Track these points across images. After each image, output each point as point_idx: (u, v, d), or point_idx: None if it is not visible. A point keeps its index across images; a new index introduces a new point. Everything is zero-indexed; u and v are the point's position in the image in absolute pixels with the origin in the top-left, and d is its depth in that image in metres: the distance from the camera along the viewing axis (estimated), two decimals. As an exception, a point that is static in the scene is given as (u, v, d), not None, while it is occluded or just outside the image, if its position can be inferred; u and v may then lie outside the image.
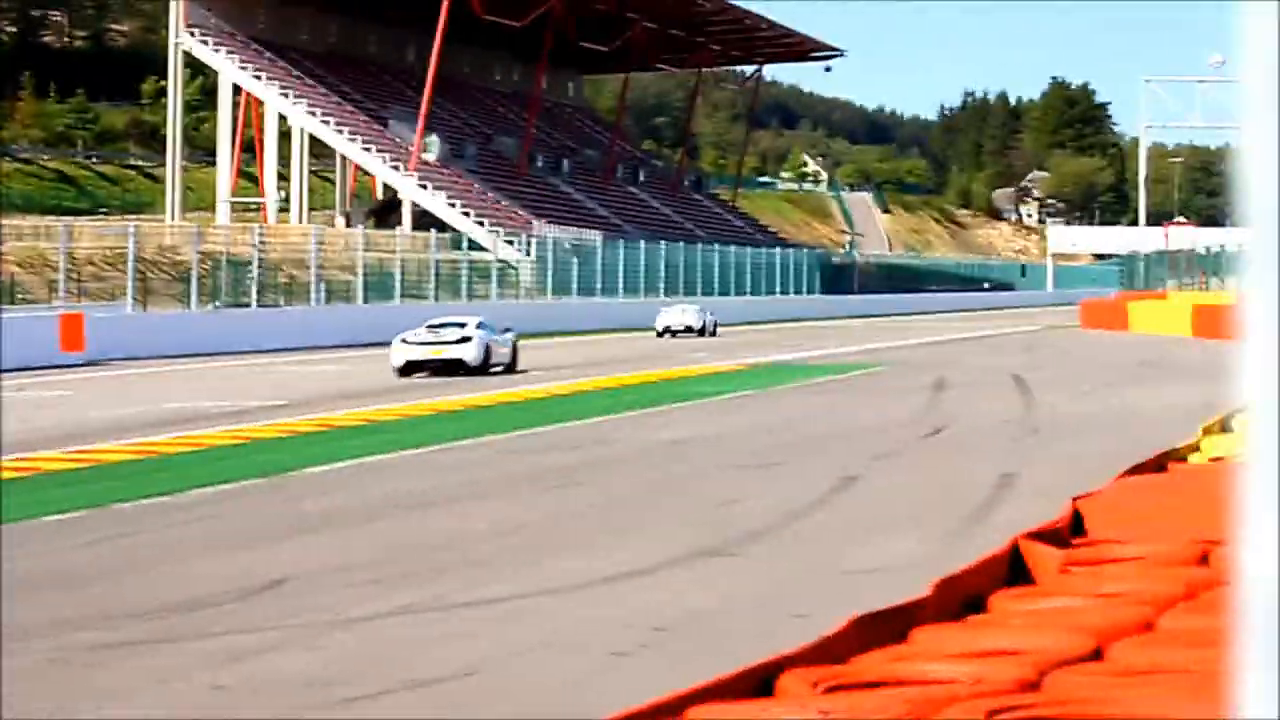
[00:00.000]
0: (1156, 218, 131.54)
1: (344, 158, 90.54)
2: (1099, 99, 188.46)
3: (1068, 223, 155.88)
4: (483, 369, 34.54)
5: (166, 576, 11.74)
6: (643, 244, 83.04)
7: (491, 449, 20.32)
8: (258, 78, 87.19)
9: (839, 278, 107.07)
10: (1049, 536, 6.11)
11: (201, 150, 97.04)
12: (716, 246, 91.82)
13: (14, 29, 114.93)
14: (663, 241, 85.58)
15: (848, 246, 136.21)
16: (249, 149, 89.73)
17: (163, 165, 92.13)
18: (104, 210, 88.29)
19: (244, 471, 17.67)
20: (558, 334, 56.73)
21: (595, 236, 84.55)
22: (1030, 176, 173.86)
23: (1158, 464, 8.26)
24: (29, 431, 22.05)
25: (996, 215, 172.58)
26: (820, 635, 4.62)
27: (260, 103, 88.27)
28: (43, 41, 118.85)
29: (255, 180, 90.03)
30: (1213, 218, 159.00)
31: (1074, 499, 6.71)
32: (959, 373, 34.26)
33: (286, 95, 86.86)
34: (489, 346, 35.03)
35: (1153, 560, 5.68)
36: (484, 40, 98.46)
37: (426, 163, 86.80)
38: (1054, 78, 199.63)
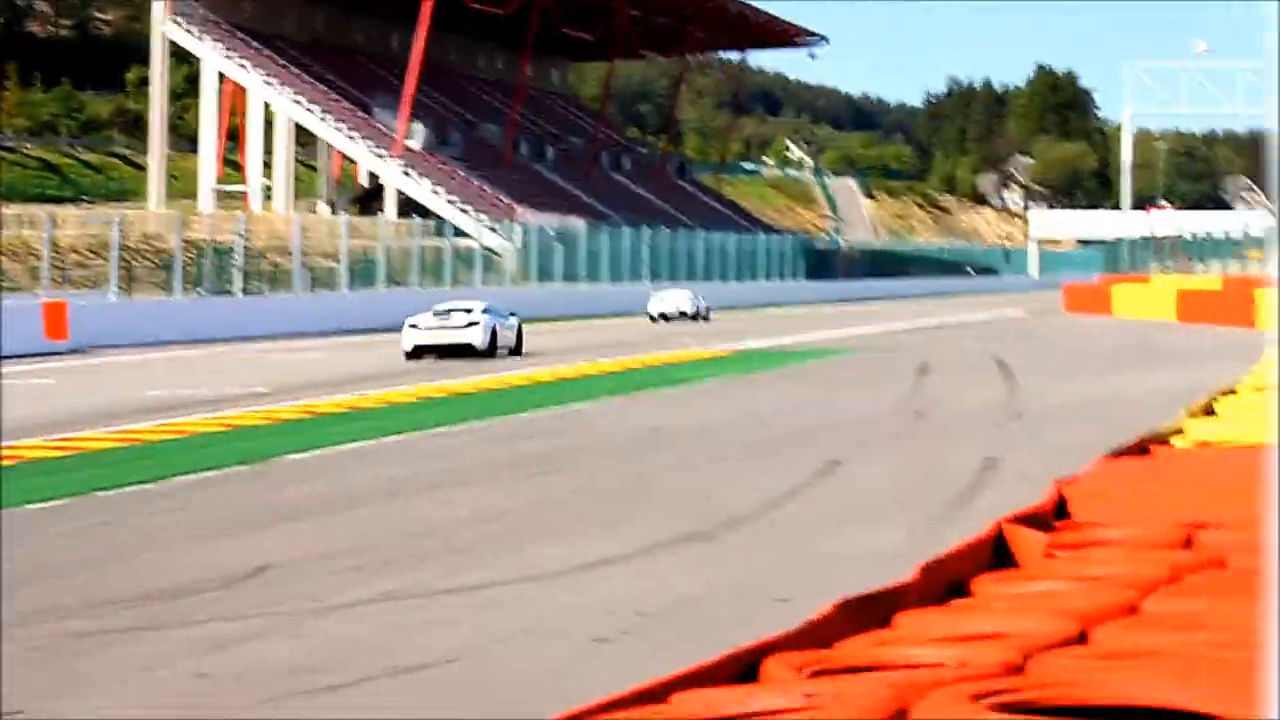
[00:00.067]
0: (1140, 203, 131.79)
1: (328, 145, 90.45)
2: (1084, 84, 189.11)
3: (1050, 206, 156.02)
4: (489, 352, 35.88)
5: (149, 564, 11.72)
6: (627, 230, 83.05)
7: (473, 435, 20.31)
8: (242, 66, 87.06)
9: (823, 263, 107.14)
10: (1033, 520, 6.09)
11: (186, 139, 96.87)
12: (701, 233, 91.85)
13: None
14: (647, 228, 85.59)
15: (832, 232, 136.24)
16: (233, 137, 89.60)
17: (146, 153, 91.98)
18: (85, 199, 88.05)
19: (226, 459, 17.63)
20: (541, 320, 56.68)
21: (580, 223, 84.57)
22: (1014, 162, 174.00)
23: (1141, 447, 8.25)
24: (10, 420, 21.97)
25: (981, 201, 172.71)
26: (804, 620, 4.60)
27: (244, 90, 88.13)
28: (28, 31, 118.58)
29: (239, 168, 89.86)
30: (1197, 202, 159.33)
31: (1058, 482, 6.70)
32: (942, 357, 34.27)
33: (271, 83, 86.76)
34: (495, 330, 36.40)
35: (1137, 544, 5.67)
36: (469, 28, 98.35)
37: (411, 150, 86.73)
38: (1039, 64, 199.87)
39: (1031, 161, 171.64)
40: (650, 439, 19.75)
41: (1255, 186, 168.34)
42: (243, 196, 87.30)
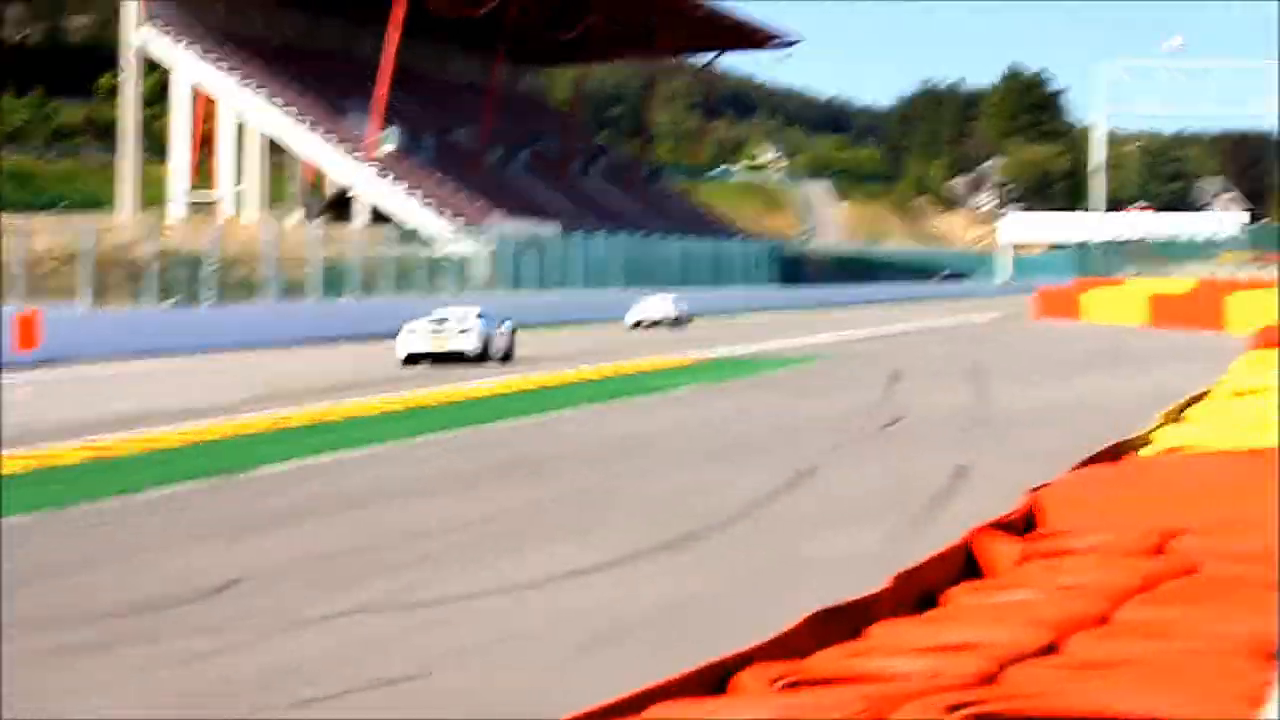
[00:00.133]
0: (1113, 204, 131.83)
1: (299, 151, 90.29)
2: (1055, 85, 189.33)
3: (1026, 208, 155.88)
4: (482, 358, 36.11)
5: (121, 578, 11.68)
6: (599, 236, 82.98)
7: (446, 445, 20.29)
8: (218, 69, 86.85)
9: (794, 268, 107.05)
10: (1005, 529, 6.11)
11: (157, 145, 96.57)
12: (673, 238, 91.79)
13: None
14: (620, 233, 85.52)
15: (803, 237, 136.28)
16: (206, 144, 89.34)
17: (116, 161, 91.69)
18: (50, 207, 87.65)
19: (198, 470, 17.58)
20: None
21: (553, 228, 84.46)
22: (986, 164, 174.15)
23: (1114, 454, 8.27)
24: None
25: (952, 204, 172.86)
26: (777, 631, 4.61)
27: (214, 99, 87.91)
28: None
29: (209, 176, 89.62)
30: (1170, 204, 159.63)
31: (1030, 490, 6.71)
32: (911, 363, 34.30)
33: (247, 87, 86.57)
34: (488, 337, 36.63)
35: (1109, 551, 5.69)
36: (441, 32, 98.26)
37: (383, 156, 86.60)
38: (1010, 66, 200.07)
39: (1003, 162, 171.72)
40: (625, 446, 19.76)
41: (1230, 187, 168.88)
42: (214, 205, 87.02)
